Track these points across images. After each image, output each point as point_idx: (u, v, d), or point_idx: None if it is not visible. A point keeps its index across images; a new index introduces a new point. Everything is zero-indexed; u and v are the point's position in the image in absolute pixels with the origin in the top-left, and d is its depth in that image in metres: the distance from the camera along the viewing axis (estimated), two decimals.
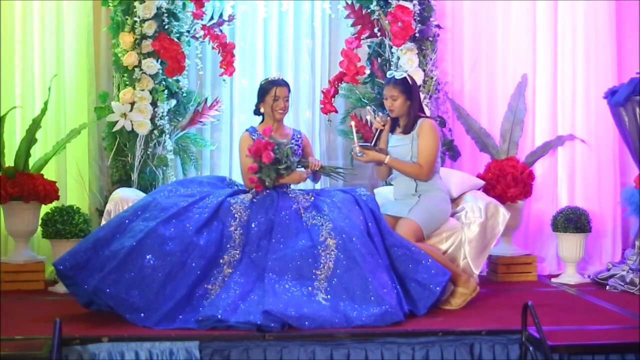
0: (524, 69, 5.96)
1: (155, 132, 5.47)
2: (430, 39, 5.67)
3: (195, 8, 5.59)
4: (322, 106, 5.77)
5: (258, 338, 3.88)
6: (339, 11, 5.84)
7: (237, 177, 5.23)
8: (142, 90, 5.42)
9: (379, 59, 5.73)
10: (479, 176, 5.57)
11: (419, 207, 4.68)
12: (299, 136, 5.03)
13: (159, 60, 5.45)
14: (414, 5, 5.56)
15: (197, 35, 5.68)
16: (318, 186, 5.54)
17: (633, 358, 3.85)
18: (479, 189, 5.23)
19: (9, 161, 5.35)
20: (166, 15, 5.44)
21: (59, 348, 3.52)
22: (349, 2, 5.75)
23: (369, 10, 5.69)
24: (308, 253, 4.29)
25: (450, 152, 5.68)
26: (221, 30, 5.68)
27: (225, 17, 5.72)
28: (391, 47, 5.65)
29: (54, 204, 5.32)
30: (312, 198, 4.62)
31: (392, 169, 4.86)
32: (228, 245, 4.38)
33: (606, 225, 5.97)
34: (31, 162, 5.38)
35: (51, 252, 5.23)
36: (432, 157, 4.72)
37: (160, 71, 5.46)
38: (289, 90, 4.94)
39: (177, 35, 5.52)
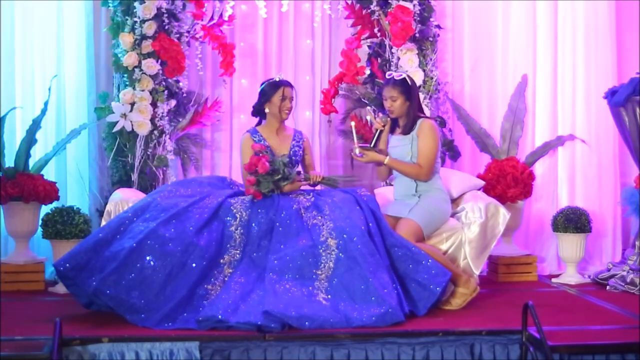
0: (524, 69, 5.97)
1: (155, 132, 5.47)
2: (430, 39, 5.67)
3: (195, 8, 5.60)
4: (322, 106, 5.78)
5: (258, 338, 3.88)
6: (339, 11, 5.84)
7: (238, 178, 5.23)
8: (142, 90, 5.42)
9: (379, 59, 5.73)
10: (479, 176, 5.57)
11: (419, 207, 4.68)
12: (300, 137, 5.03)
13: (159, 61, 5.45)
14: (414, 5, 5.56)
15: (197, 36, 5.68)
16: (318, 187, 5.53)
17: (633, 358, 3.84)
18: (479, 189, 5.23)
19: (9, 162, 5.35)
20: (166, 15, 5.45)
21: (59, 348, 3.53)
22: (349, 3, 5.75)
23: (368, 11, 5.69)
24: (309, 253, 4.29)
25: (451, 152, 5.68)
26: (221, 31, 5.69)
27: (225, 18, 5.72)
28: (391, 48, 5.65)
29: (54, 204, 5.32)
30: (313, 198, 4.62)
31: (392, 169, 4.86)
32: (228, 245, 4.37)
33: (606, 226, 5.97)
34: (31, 162, 5.38)
35: (51, 252, 5.22)
36: (432, 157, 4.72)
37: (160, 71, 5.46)
38: (294, 91, 4.95)
39: (177, 35, 5.52)
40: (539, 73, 6.06)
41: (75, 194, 5.68)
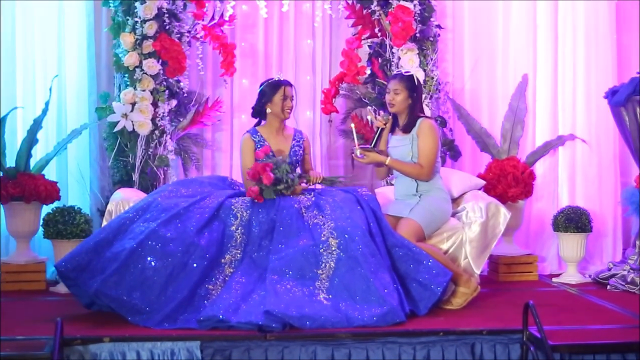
0: (525, 69, 5.97)
1: (156, 132, 5.47)
2: (431, 39, 5.67)
3: (196, 8, 5.60)
4: (323, 106, 5.78)
5: (259, 338, 3.88)
6: (339, 11, 5.84)
7: (238, 177, 5.23)
8: (143, 90, 5.42)
9: (379, 59, 5.73)
10: (479, 176, 5.58)
11: (420, 207, 4.69)
12: (300, 136, 5.03)
13: (160, 61, 5.46)
14: (414, 5, 5.57)
15: (197, 36, 5.68)
16: (319, 185, 5.53)
17: (634, 358, 3.85)
18: (479, 189, 5.24)
19: (10, 161, 5.35)
20: (167, 15, 5.45)
21: (60, 348, 3.53)
22: (350, 2, 5.75)
23: (369, 11, 5.69)
24: (309, 252, 4.29)
25: (451, 152, 5.69)
26: (222, 31, 5.69)
27: (226, 18, 5.72)
28: (392, 47, 5.65)
29: (55, 204, 5.32)
30: (314, 197, 4.62)
31: (392, 169, 4.87)
32: (229, 245, 4.38)
33: (607, 225, 5.97)
34: (32, 162, 5.39)
35: (52, 252, 5.23)
36: (433, 157, 4.72)
37: (161, 71, 5.46)
38: (295, 90, 4.95)
39: (178, 35, 5.52)
40: (539, 73, 6.06)
41: (76, 193, 5.68)
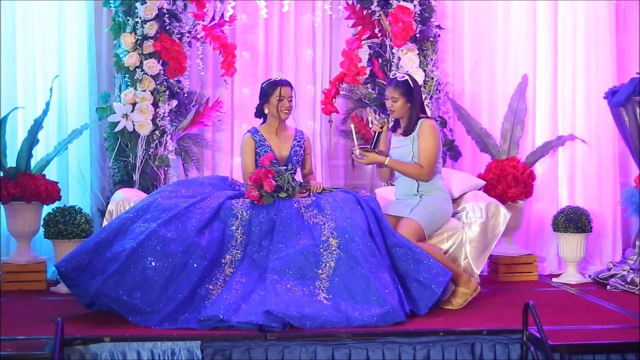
0: (525, 69, 5.97)
1: (157, 132, 5.48)
2: (431, 39, 5.68)
3: (196, 9, 5.60)
4: (323, 107, 5.78)
5: (259, 338, 3.89)
6: (339, 12, 5.85)
7: (239, 178, 5.24)
8: (144, 90, 5.43)
9: (379, 59, 5.73)
10: (479, 176, 5.58)
11: (421, 207, 4.69)
12: (301, 136, 5.03)
13: (160, 61, 5.46)
14: (414, 5, 5.57)
15: (198, 36, 5.69)
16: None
17: (634, 358, 3.85)
18: (479, 189, 5.24)
19: (11, 162, 5.36)
20: (167, 16, 5.45)
21: (61, 348, 3.54)
22: (350, 3, 5.75)
23: (369, 11, 5.70)
24: (310, 252, 4.29)
25: (451, 152, 5.69)
26: (222, 31, 5.69)
27: (227, 18, 5.73)
28: (392, 48, 5.65)
29: (56, 204, 5.32)
30: (314, 197, 4.63)
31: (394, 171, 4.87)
32: (230, 245, 4.38)
33: (607, 225, 5.97)
34: (33, 162, 5.39)
35: (53, 252, 5.23)
36: (433, 157, 4.72)
37: (162, 72, 5.47)
38: (293, 90, 4.95)
39: (179, 36, 5.53)
40: (539, 73, 6.06)
41: (77, 193, 5.69)
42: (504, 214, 4.87)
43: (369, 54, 5.80)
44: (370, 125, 5.53)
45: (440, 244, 4.73)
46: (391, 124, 4.94)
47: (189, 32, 5.63)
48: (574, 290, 5.26)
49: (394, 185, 5.01)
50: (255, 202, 4.47)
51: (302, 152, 4.98)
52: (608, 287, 5.25)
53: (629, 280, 5.17)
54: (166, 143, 5.51)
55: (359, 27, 5.78)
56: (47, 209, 5.33)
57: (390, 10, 5.59)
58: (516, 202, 5.57)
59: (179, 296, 4.13)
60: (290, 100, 4.92)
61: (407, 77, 4.80)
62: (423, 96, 5.49)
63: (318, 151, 5.97)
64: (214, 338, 3.88)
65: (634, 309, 4.54)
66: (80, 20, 5.72)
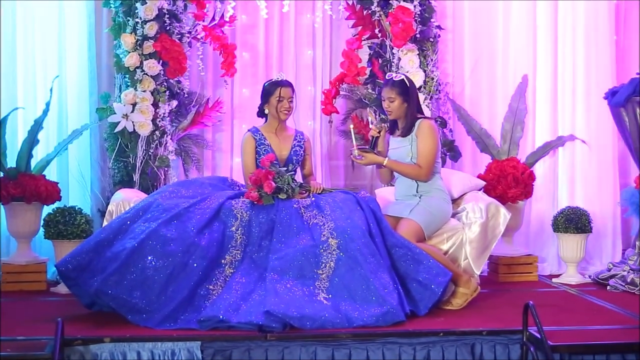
0: (525, 69, 5.97)
1: (157, 133, 5.48)
2: (431, 39, 5.68)
3: (196, 9, 5.60)
4: (323, 107, 5.78)
5: (260, 338, 3.89)
6: (340, 12, 5.85)
7: (239, 178, 5.24)
8: (144, 91, 5.43)
9: (379, 59, 5.74)
10: (479, 177, 5.58)
11: (420, 207, 4.69)
12: (301, 137, 5.04)
13: (161, 62, 5.46)
14: (414, 6, 5.57)
15: (198, 37, 5.69)
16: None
17: (634, 358, 3.85)
18: (479, 190, 5.25)
19: (11, 162, 5.36)
20: (167, 16, 5.45)
21: (61, 348, 3.54)
22: (350, 3, 5.76)
23: (369, 11, 5.70)
24: (309, 253, 4.30)
25: (451, 152, 5.69)
26: (222, 32, 5.69)
27: (227, 18, 5.73)
28: (392, 48, 5.66)
29: (56, 204, 5.32)
30: (313, 197, 4.63)
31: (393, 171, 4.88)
32: (229, 246, 4.38)
33: (607, 226, 5.97)
34: (33, 162, 5.39)
35: (53, 252, 5.23)
36: (431, 158, 4.73)
37: (162, 72, 5.47)
38: (293, 91, 4.95)
39: (179, 36, 5.53)
40: (539, 73, 6.06)
41: (77, 194, 5.69)
42: (504, 215, 4.87)
43: (369, 54, 5.80)
44: (371, 126, 5.53)
45: (440, 244, 4.73)
46: (387, 127, 4.94)
47: (189, 32, 5.64)
48: (574, 290, 5.26)
49: (393, 185, 5.01)
50: (255, 202, 4.48)
51: (302, 152, 4.99)
52: (608, 287, 5.25)
53: (629, 280, 5.17)
54: (166, 143, 5.51)
55: (359, 28, 5.78)
56: (47, 210, 5.33)
57: (390, 11, 5.59)
58: (516, 203, 5.57)
59: (178, 296, 4.14)
60: (291, 101, 4.92)
61: (403, 77, 4.81)
62: (423, 96, 5.52)
63: (318, 151, 5.97)
64: (214, 338, 3.89)
65: (634, 310, 4.55)
66: (80, 21, 5.72)
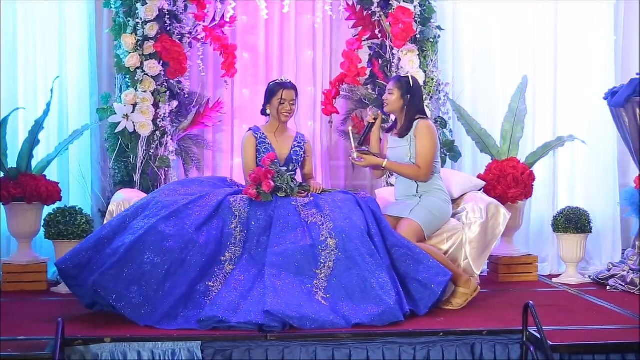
0: (524, 69, 5.97)
1: (157, 133, 5.48)
2: (431, 40, 5.68)
3: (197, 10, 5.61)
4: (324, 107, 5.79)
5: (260, 338, 3.90)
6: (340, 12, 5.85)
7: (239, 178, 5.25)
8: (144, 91, 5.44)
9: (380, 60, 5.74)
10: (479, 177, 5.58)
11: (420, 207, 4.70)
12: (302, 138, 5.05)
13: (161, 62, 5.47)
14: (414, 6, 5.58)
15: (198, 37, 5.69)
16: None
17: (633, 358, 3.86)
18: (479, 190, 5.25)
19: (12, 162, 5.36)
20: (168, 17, 5.46)
21: (62, 348, 3.54)
22: (350, 4, 5.76)
23: (369, 12, 5.71)
24: (308, 252, 4.30)
25: (451, 153, 5.69)
26: (223, 32, 5.70)
27: (227, 19, 5.73)
28: (392, 49, 5.66)
29: (57, 204, 5.33)
30: (312, 197, 4.64)
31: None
32: (229, 243, 4.38)
33: (606, 226, 5.98)
34: (34, 163, 5.40)
35: (54, 252, 5.23)
36: (430, 158, 4.73)
37: (162, 73, 5.48)
38: (297, 94, 4.95)
39: (179, 36, 5.54)
40: (539, 74, 6.07)
41: (78, 194, 5.69)
42: (503, 215, 4.88)
43: (369, 54, 5.81)
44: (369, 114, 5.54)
45: (440, 244, 4.73)
46: (390, 123, 4.95)
47: (190, 33, 5.64)
48: (574, 290, 5.26)
49: (393, 185, 5.01)
50: (253, 199, 4.49)
51: (302, 153, 5.00)
52: (608, 287, 5.26)
53: (628, 280, 5.18)
54: (167, 144, 5.52)
55: (360, 28, 5.78)
56: (47, 210, 5.34)
57: (390, 11, 5.59)
58: (516, 203, 5.57)
59: (176, 292, 4.14)
60: (293, 104, 4.93)
61: (409, 75, 4.82)
62: (423, 97, 5.50)
63: (318, 152, 5.98)
64: (214, 338, 3.89)
65: (633, 310, 4.55)
66: (81, 21, 5.73)
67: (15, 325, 4.14)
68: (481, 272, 4.90)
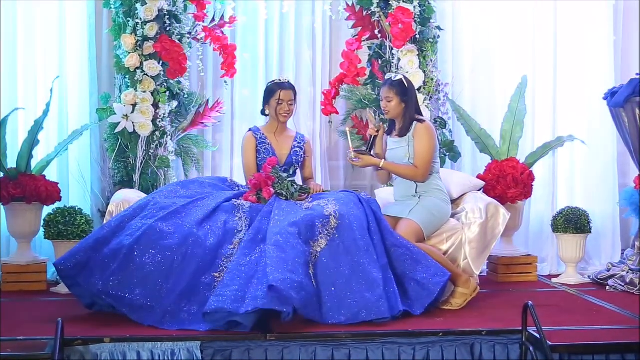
0: (524, 69, 5.97)
1: (157, 133, 5.48)
2: (431, 40, 5.68)
3: (196, 10, 5.61)
4: (323, 108, 5.79)
5: (260, 338, 3.89)
6: (340, 13, 5.85)
7: (238, 178, 5.25)
8: (144, 91, 5.44)
9: (379, 60, 5.74)
10: (479, 177, 5.58)
11: (420, 207, 4.70)
12: (302, 139, 5.05)
13: (161, 62, 5.47)
14: (414, 7, 5.58)
15: (198, 37, 5.70)
16: None
17: (633, 358, 3.86)
18: (479, 190, 5.25)
19: (12, 162, 5.36)
20: (167, 17, 5.46)
21: (61, 348, 3.55)
22: (350, 4, 5.76)
23: (369, 12, 5.71)
24: (309, 222, 4.26)
25: (451, 153, 5.69)
26: (222, 32, 5.70)
27: (227, 19, 5.74)
28: (392, 49, 5.66)
29: (56, 205, 5.33)
30: (311, 198, 4.63)
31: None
32: (233, 234, 4.32)
33: (606, 226, 5.98)
34: (33, 163, 5.40)
35: (53, 253, 5.23)
36: (428, 158, 4.73)
37: (162, 73, 5.48)
38: (295, 94, 4.95)
39: (179, 37, 5.54)
40: (538, 74, 6.07)
41: (77, 194, 5.68)
42: (503, 215, 4.88)
43: (369, 55, 5.81)
44: (370, 126, 5.54)
45: (439, 244, 4.73)
46: (387, 127, 4.95)
47: (189, 33, 5.64)
48: (573, 290, 5.27)
49: (392, 186, 5.02)
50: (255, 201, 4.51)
51: (302, 153, 5.00)
52: (607, 287, 5.26)
53: (628, 280, 5.18)
54: (166, 144, 5.52)
55: (359, 28, 5.78)
56: (47, 210, 5.34)
57: (390, 11, 5.59)
58: (515, 203, 5.57)
59: (178, 288, 4.12)
60: (291, 104, 4.93)
61: (402, 77, 4.82)
62: (423, 97, 5.52)
63: (318, 152, 5.98)
64: (213, 338, 3.89)
65: (633, 310, 4.55)
66: (80, 21, 5.72)
67: (15, 325, 4.14)
68: (481, 272, 4.90)
